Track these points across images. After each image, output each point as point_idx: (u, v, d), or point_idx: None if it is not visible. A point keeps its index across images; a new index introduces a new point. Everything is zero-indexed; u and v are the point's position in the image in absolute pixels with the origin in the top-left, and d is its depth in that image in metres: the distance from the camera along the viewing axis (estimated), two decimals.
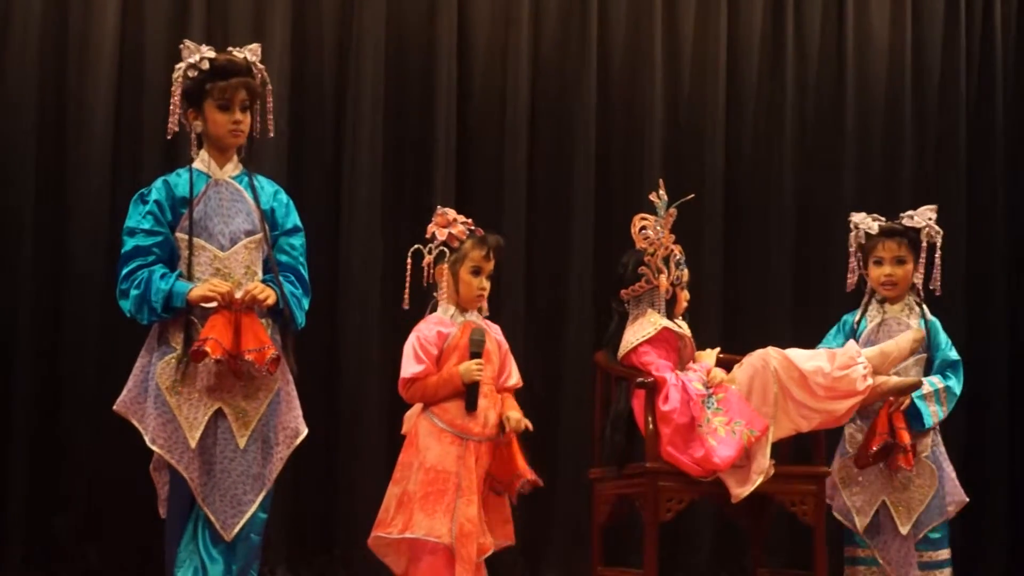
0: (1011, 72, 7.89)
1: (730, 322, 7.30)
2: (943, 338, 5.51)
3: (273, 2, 6.92)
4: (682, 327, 5.38)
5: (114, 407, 4.43)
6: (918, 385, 5.35)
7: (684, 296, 5.42)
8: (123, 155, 6.74)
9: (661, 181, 5.46)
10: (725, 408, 5.09)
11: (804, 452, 5.40)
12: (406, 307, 5.04)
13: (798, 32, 7.66)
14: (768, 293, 7.42)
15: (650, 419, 5.12)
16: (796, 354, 5.18)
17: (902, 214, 5.59)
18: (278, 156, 6.67)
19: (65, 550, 6.49)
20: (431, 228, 5.05)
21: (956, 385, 5.44)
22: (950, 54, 7.83)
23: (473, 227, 5.08)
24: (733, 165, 7.48)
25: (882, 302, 5.58)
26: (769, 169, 7.53)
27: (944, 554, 5.41)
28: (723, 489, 5.08)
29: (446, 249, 5.01)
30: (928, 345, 5.48)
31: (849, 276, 5.65)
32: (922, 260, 5.52)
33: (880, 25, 7.74)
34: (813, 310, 7.34)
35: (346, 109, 7.03)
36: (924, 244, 5.51)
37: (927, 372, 5.46)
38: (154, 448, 4.34)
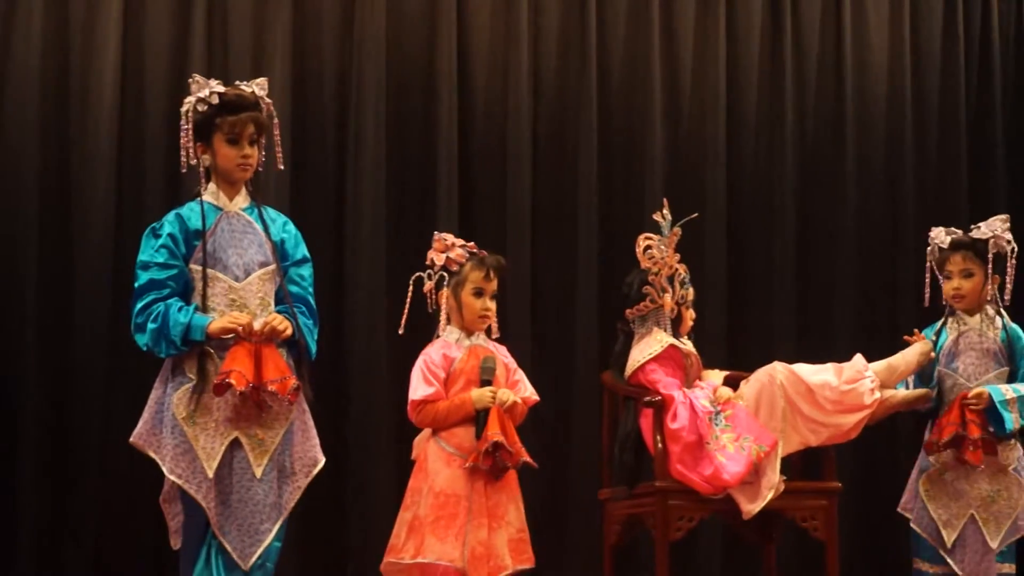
0: (1010, 88, 7.90)
1: (734, 340, 7.30)
2: (1023, 347, 5.47)
3: (273, 36, 6.94)
4: (688, 345, 5.39)
5: (131, 439, 4.43)
6: (927, 398, 5.35)
7: (689, 315, 5.43)
8: (125, 188, 6.75)
9: (665, 200, 5.47)
10: (733, 424, 5.09)
11: (814, 467, 5.39)
12: (401, 332, 5.06)
13: (796, 51, 7.67)
14: (772, 310, 7.42)
15: (659, 437, 5.12)
16: (803, 368, 5.18)
17: (973, 226, 5.55)
18: (279, 188, 6.68)
19: None
20: (430, 254, 5.08)
21: None
22: (949, 72, 7.84)
23: (474, 250, 5.10)
24: (735, 183, 7.49)
25: (960, 314, 5.54)
26: (771, 187, 7.54)
27: (1007, 568, 5.38)
28: (734, 506, 5.08)
29: (446, 274, 5.04)
30: (1010, 355, 5.44)
31: (925, 292, 5.59)
32: (990, 272, 5.45)
33: (879, 44, 7.76)
34: (817, 325, 7.35)
35: (348, 139, 7.04)
36: (991, 255, 5.45)
37: (1010, 381, 5.41)
38: (172, 478, 4.34)
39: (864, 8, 7.75)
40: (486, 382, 4.89)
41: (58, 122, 6.72)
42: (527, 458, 4.91)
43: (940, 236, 5.54)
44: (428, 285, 5.04)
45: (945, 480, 5.40)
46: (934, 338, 5.54)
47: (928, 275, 5.56)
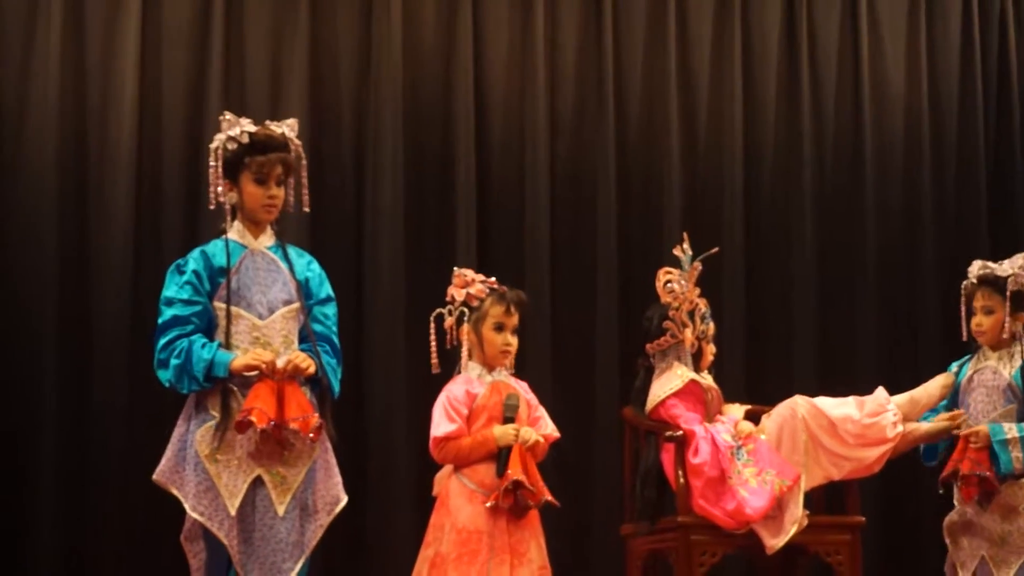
0: None
1: (755, 374, 7.28)
2: None
3: (290, 76, 6.97)
4: (708, 380, 5.38)
5: (153, 477, 4.43)
6: (948, 431, 5.33)
7: (710, 350, 5.43)
8: (143, 229, 6.77)
9: (685, 235, 5.47)
10: (755, 459, 5.09)
11: (838, 502, 5.37)
12: (436, 371, 5.04)
13: (813, 85, 7.67)
14: (793, 343, 7.41)
15: (680, 472, 5.11)
16: (824, 402, 5.18)
17: (997, 263, 5.55)
18: (299, 227, 6.69)
19: None
20: (450, 291, 5.07)
21: None
22: (967, 105, 7.83)
23: (495, 285, 5.10)
24: (752, 218, 7.49)
25: (984, 350, 5.54)
26: (789, 221, 7.53)
27: None
28: (757, 541, 5.07)
29: (467, 309, 5.03)
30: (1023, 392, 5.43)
31: (962, 326, 5.57)
32: (1007, 308, 5.43)
33: (896, 78, 7.76)
34: (838, 358, 7.33)
35: (365, 178, 7.06)
36: (1009, 293, 5.44)
37: (1021, 420, 5.40)
38: (194, 516, 4.33)
39: (881, 42, 7.75)
40: (509, 419, 4.88)
41: (76, 165, 6.73)
42: (549, 497, 4.89)
43: (974, 269, 5.55)
44: (449, 321, 5.04)
45: (962, 520, 5.39)
46: (956, 370, 5.53)
47: (963, 308, 5.56)
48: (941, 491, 5.39)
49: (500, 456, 4.84)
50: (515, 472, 4.79)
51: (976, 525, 5.34)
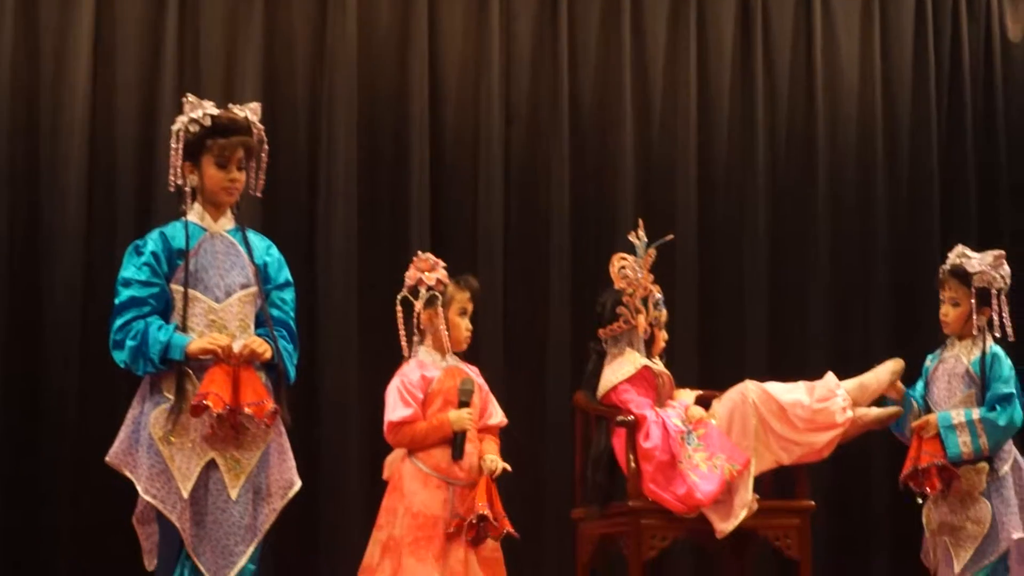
0: (980, 110, 7.95)
1: (706, 360, 7.32)
2: (998, 371, 5.44)
3: (244, 61, 6.96)
4: (659, 366, 5.40)
5: (106, 459, 4.41)
6: (897, 415, 5.37)
7: (662, 336, 5.45)
8: (96, 212, 6.75)
9: (641, 221, 5.49)
10: (706, 444, 5.11)
11: (788, 486, 5.41)
12: (407, 355, 5.03)
13: (768, 74, 7.70)
14: (744, 329, 7.45)
15: (631, 457, 5.13)
16: (775, 387, 5.21)
17: (972, 255, 5.58)
18: (252, 211, 6.68)
19: None
20: (415, 274, 5.07)
21: (1001, 417, 5.35)
22: (920, 94, 7.88)
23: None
24: (706, 205, 7.52)
25: (951, 340, 5.58)
26: (742, 208, 7.57)
27: None
28: (707, 525, 5.10)
29: (436, 294, 5.03)
30: (983, 376, 5.45)
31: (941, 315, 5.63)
32: (973, 304, 5.48)
33: (849, 67, 7.80)
34: (789, 344, 7.38)
35: (319, 164, 7.06)
36: (973, 289, 5.49)
37: (981, 404, 5.44)
38: (147, 498, 4.32)
39: (835, 30, 7.79)
40: (464, 403, 4.90)
41: (29, 149, 6.70)
42: (510, 529, 4.92)
43: (952, 256, 5.58)
44: (418, 305, 5.03)
45: (930, 509, 5.46)
46: (928, 363, 5.59)
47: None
48: (902, 489, 5.42)
49: (455, 440, 4.87)
50: (482, 506, 4.82)
51: (939, 512, 5.39)
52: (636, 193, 7.40)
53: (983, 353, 5.45)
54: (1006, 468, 5.41)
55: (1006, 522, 5.35)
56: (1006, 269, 5.52)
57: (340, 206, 6.98)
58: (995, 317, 5.49)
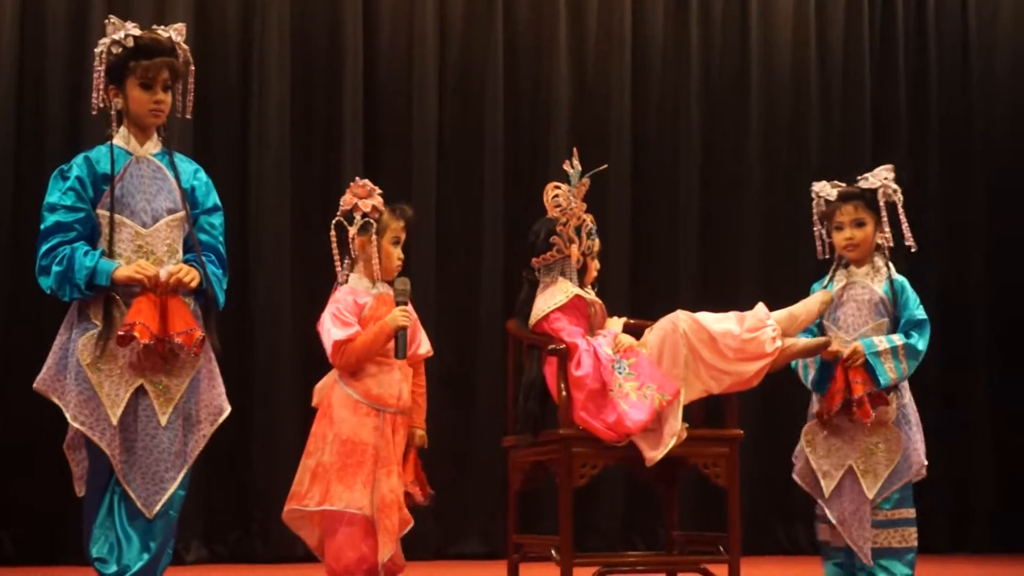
0: (911, 38, 7.99)
1: (638, 289, 7.35)
2: (908, 297, 5.48)
3: None
4: (592, 295, 5.40)
5: (34, 385, 4.38)
6: (827, 345, 5.39)
7: (595, 266, 5.43)
8: (25, 133, 6.68)
9: (575, 150, 5.46)
10: (636, 373, 5.12)
11: (717, 415, 5.44)
12: (342, 280, 5.00)
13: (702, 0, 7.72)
14: (676, 259, 7.48)
15: (563, 385, 5.13)
16: (705, 317, 5.21)
17: (859, 176, 5.60)
18: (183, 134, 6.62)
19: None
20: (351, 200, 5.00)
21: (919, 342, 5.40)
22: (852, 21, 7.92)
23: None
24: (640, 133, 7.54)
25: (848, 266, 5.60)
26: (676, 136, 7.59)
27: (906, 513, 5.42)
28: (636, 453, 5.11)
29: (371, 221, 4.98)
30: (895, 304, 5.49)
31: (817, 244, 5.63)
32: (883, 220, 5.51)
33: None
34: (720, 274, 7.41)
35: (251, 85, 7.00)
36: (882, 203, 5.51)
37: (893, 332, 5.47)
38: (75, 425, 4.30)
39: None
40: (400, 303, 4.87)
41: None
42: (420, 500, 4.96)
43: (825, 189, 5.59)
44: (352, 230, 4.98)
45: (826, 432, 5.47)
46: (826, 286, 5.60)
47: (816, 228, 5.62)
48: (825, 419, 5.43)
49: (398, 339, 4.83)
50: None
51: (843, 438, 5.42)
52: (570, 120, 7.39)
53: (891, 280, 5.49)
54: (908, 396, 5.47)
55: (917, 448, 5.42)
56: (895, 182, 5.55)
57: (273, 128, 6.95)
58: (903, 230, 5.51)
